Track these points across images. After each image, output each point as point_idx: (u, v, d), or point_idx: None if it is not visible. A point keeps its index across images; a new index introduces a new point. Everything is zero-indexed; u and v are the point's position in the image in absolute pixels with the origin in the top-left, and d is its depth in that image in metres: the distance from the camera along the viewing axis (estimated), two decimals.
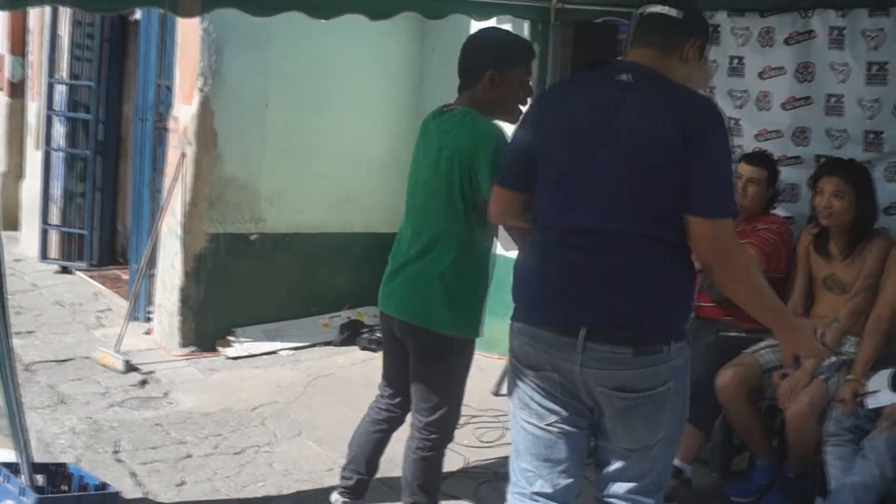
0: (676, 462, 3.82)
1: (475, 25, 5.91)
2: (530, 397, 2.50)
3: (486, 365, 5.81)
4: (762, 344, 3.97)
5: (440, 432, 3.15)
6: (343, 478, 3.46)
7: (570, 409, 2.46)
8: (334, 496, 3.49)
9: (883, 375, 3.51)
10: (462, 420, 4.67)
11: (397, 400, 3.35)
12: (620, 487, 2.48)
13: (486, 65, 3.05)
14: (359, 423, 3.48)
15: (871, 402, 3.46)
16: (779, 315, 2.51)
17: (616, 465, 2.48)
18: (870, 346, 3.64)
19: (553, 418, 2.47)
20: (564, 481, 2.52)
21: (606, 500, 2.51)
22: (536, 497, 2.54)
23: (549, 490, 2.53)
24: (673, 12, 2.43)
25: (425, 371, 3.14)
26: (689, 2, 2.51)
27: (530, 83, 3.15)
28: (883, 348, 3.66)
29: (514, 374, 2.55)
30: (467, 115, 3.08)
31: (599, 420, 2.45)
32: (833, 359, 3.72)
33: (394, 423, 3.40)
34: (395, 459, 4.20)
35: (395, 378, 3.32)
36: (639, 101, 2.34)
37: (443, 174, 3.03)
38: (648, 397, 2.35)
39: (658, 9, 2.44)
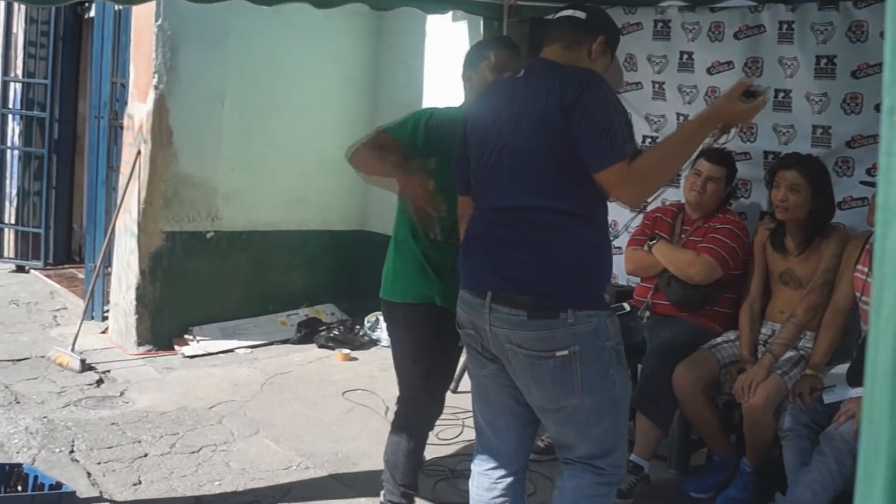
0: (634, 458, 3.86)
1: (430, 22, 5.97)
2: (468, 352, 2.78)
3: None
4: (720, 339, 4.01)
5: (400, 406, 3.29)
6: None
7: (491, 363, 2.69)
8: None
9: (840, 370, 3.54)
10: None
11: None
12: (570, 453, 2.68)
13: (465, 67, 3.21)
14: None
15: (829, 397, 3.47)
16: (696, 124, 2.57)
17: (551, 430, 2.73)
18: (826, 340, 3.66)
19: (484, 370, 2.73)
20: (503, 428, 2.78)
21: (564, 462, 2.71)
22: (481, 433, 2.85)
23: (490, 432, 2.82)
24: (579, 14, 2.67)
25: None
26: (595, 7, 2.80)
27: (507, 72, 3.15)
28: (839, 342, 3.69)
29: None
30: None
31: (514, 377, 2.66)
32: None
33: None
34: (352, 457, 4.24)
35: None
36: (525, 89, 2.57)
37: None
38: (549, 358, 2.51)
39: (567, 12, 2.70)
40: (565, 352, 2.49)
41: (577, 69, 2.55)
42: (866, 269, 3.57)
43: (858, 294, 3.60)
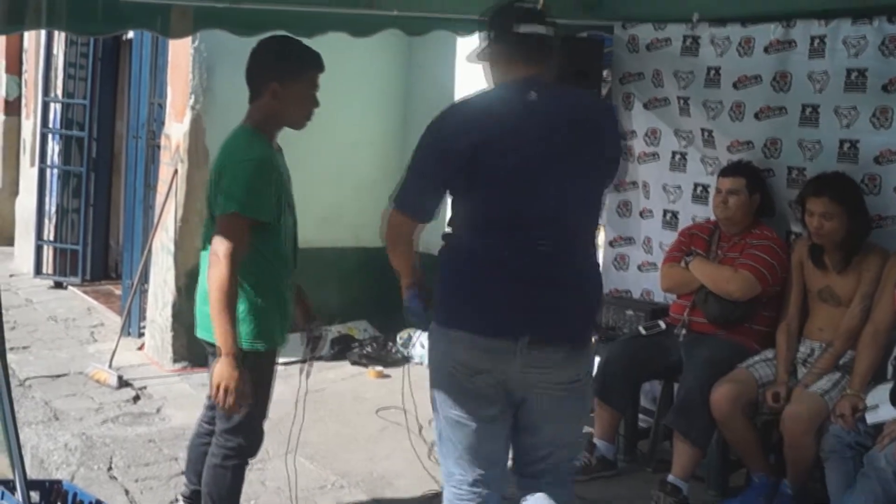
0: (673, 479, 3.85)
1: (460, 42, 5.99)
2: (468, 395, 2.64)
3: None
4: (757, 358, 3.96)
5: (235, 439, 3.14)
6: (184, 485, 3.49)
7: (500, 402, 2.68)
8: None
9: (882, 390, 3.46)
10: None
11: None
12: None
13: (269, 77, 3.03)
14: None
15: (871, 418, 3.39)
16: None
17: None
18: (867, 360, 3.60)
19: (491, 410, 2.66)
20: (498, 461, 2.71)
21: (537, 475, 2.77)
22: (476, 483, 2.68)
23: (484, 469, 2.68)
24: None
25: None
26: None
27: (316, 95, 3.13)
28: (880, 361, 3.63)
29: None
30: (235, 134, 3.10)
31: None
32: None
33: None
34: (386, 476, 4.24)
35: None
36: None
37: (209, 192, 3.07)
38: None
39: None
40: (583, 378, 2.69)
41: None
42: None
43: None
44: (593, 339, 2.74)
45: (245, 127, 3.09)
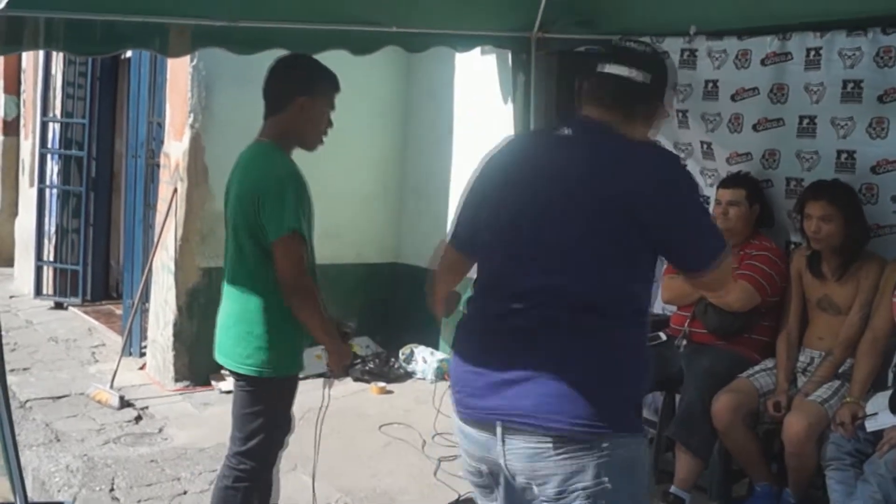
0: (675, 490, 3.85)
1: (459, 58, 6.01)
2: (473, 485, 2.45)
3: None
4: (757, 368, 3.99)
5: (249, 462, 3.09)
6: None
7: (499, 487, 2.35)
8: None
9: (882, 397, 3.48)
10: (455, 452, 4.73)
11: None
12: None
13: (297, 91, 3.02)
14: None
15: (871, 425, 3.41)
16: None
17: None
18: (866, 367, 3.63)
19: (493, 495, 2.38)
20: None
21: None
22: None
23: None
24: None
25: (236, 402, 3.15)
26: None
27: (332, 117, 3.13)
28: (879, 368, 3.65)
29: None
30: (258, 152, 3.04)
31: None
32: None
33: None
34: (389, 493, 4.23)
35: None
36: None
37: (235, 213, 3.02)
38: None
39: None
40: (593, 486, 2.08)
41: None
42: None
43: None
44: (616, 439, 2.08)
45: (264, 143, 3.06)
